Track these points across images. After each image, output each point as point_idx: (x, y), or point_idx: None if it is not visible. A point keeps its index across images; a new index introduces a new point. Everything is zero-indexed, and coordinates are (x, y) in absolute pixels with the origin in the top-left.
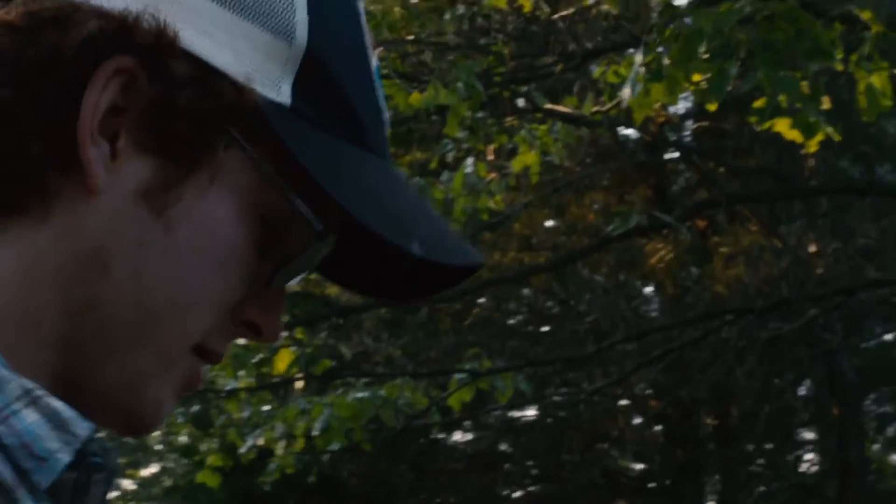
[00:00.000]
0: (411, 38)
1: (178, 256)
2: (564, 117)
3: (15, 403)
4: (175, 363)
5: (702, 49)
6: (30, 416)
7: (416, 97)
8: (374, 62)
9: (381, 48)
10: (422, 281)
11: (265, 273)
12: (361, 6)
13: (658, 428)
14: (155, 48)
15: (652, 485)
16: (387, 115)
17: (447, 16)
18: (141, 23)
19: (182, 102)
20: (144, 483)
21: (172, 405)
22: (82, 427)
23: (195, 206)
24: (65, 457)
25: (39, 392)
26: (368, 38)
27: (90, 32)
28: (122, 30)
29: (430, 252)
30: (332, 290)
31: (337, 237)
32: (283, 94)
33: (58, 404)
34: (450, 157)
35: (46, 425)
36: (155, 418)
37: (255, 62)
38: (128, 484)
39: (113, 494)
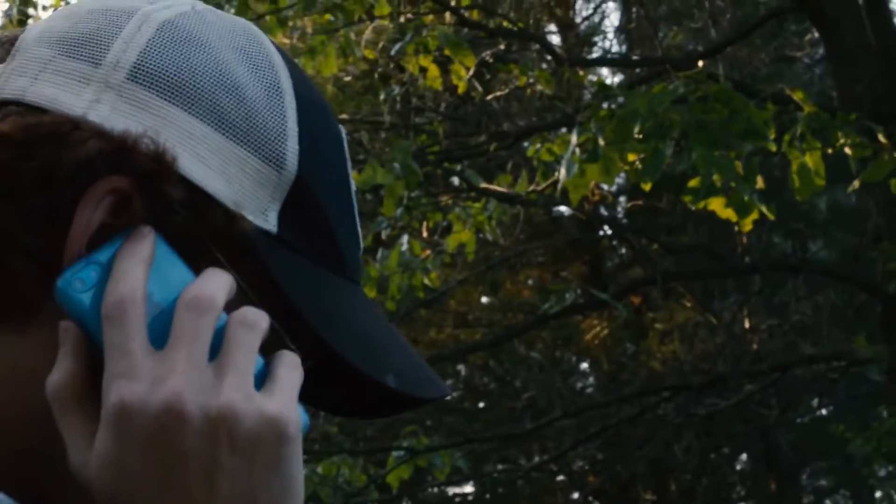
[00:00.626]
0: (346, 117)
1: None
2: (499, 196)
3: None
4: None
5: (636, 129)
6: None
7: (354, 177)
8: (353, 185)
9: None
10: (390, 405)
11: None
12: (343, 133)
13: None
14: (151, 171)
15: None
16: (361, 240)
17: (381, 96)
18: (140, 146)
19: (173, 225)
20: None
21: None
22: None
23: None
24: None
25: (6, 500)
26: (349, 164)
27: (88, 154)
28: (121, 151)
29: (404, 385)
30: None
31: (313, 364)
32: (269, 221)
33: (1, 496)
34: (385, 234)
35: None
36: None
37: (245, 188)
38: None
39: None
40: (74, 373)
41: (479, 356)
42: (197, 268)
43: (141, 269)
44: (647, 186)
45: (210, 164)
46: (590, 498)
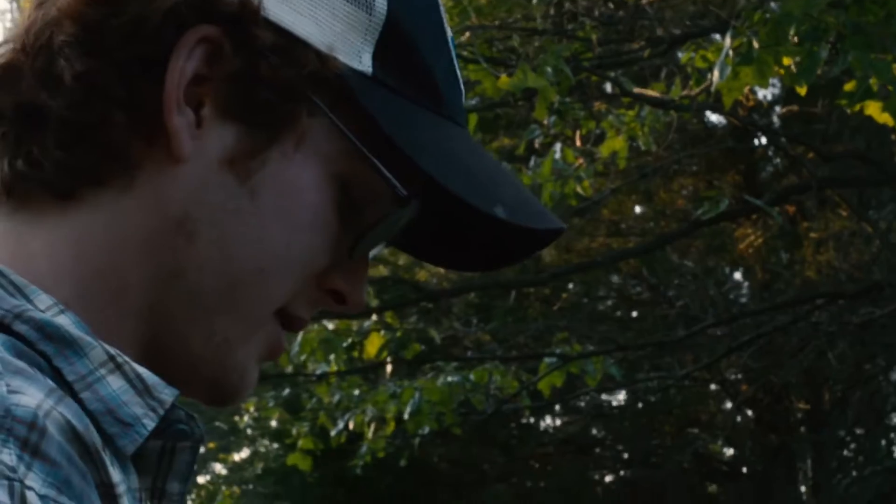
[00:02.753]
0: (498, 23)
1: (262, 222)
2: (652, 102)
3: (100, 369)
4: (259, 329)
5: (791, 32)
6: (114, 382)
7: (504, 80)
8: (449, 32)
9: (469, 33)
10: (503, 247)
11: (347, 241)
12: None
13: (749, 413)
14: (239, 17)
15: (743, 469)
16: (462, 84)
17: (534, 1)
18: None
19: (266, 71)
20: (236, 467)
21: (256, 373)
22: (166, 393)
23: (279, 173)
24: (150, 422)
25: (123, 358)
26: (442, 7)
27: (175, 2)
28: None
29: (514, 215)
30: (422, 275)
31: (419, 204)
32: (364, 63)
33: (142, 370)
34: (537, 142)
35: (131, 391)
36: (241, 385)
37: (337, 32)
38: (219, 468)
39: (203, 478)
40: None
41: (631, 265)
42: (294, 114)
43: None
44: (802, 90)
45: (298, 8)
46: (742, 407)
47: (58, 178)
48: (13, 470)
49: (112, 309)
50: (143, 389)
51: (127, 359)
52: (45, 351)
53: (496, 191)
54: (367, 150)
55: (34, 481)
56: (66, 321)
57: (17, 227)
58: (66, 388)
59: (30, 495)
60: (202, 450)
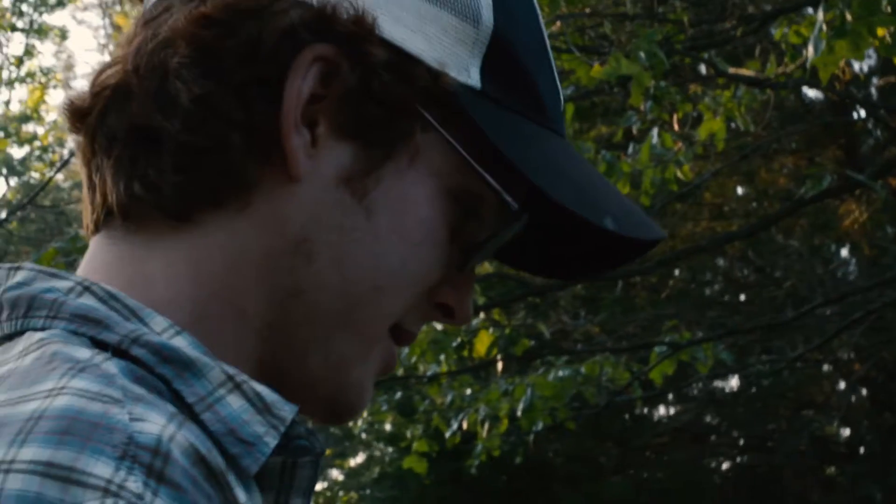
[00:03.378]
0: (588, 10)
1: (379, 239)
2: (748, 81)
3: (219, 390)
4: (375, 346)
5: (884, 2)
6: (234, 402)
7: (598, 69)
8: (547, 40)
9: (559, 22)
10: (607, 257)
11: (457, 255)
12: None
13: (864, 392)
14: (354, 36)
15: (861, 450)
16: (562, 94)
17: None
18: (340, 11)
19: (380, 88)
20: (352, 473)
21: (371, 389)
22: (286, 410)
23: (394, 189)
24: (272, 440)
25: (242, 377)
26: (541, 18)
27: (291, 23)
28: (322, 18)
29: (622, 227)
30: None
31: (528, 217)
32: (472, 77)
33: (261, 388)
34: (635, 129)
35: (251, 409)
36: (358, 402)
37: (446, 47)
38: (336, 474)
39: (321, 485)
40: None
41: (736, 247)
42: (408, 131)
43: None
44: None
45: (409, 24)
46: (857, 386)
47: (175, 201)
48: (140, 497)
49: (231, 330)
50: (263, 408)
51: (245, 377)
52: (163, 374)
53: (604, 202)
54: (479, 165)
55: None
56: (182, 343)
57: (133, 251)
58: (187, 410)
59: None
60: None
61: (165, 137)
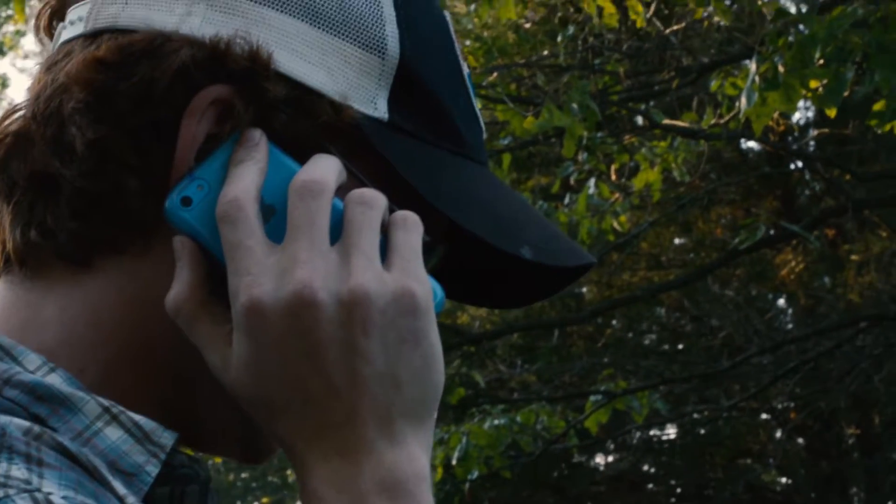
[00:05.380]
0: (523, 62)
1: None
2: (683, 132)
3: (96, 423)
4: None
5: (816, 55)
6: (113, 434)
7: (530, 121)
8: (465, 69)
9: (495, 73)
10: (534, 285)
11: None
12: (448, 15)
13: (800, 440)
14: (249, 73)
15: (797, 499)
16: (482, 122)
17: (559, 38)
18: (233, 48)
19: (280, 125)
20: None
21: None
22: (166, 437)
23: None
24: (153, 469)
25: (118, 408)
26: (458, 46)
27: (182, 63)
28: (215, 57)
29: (540, 255)
30: (464, 318)
31: (446, 248)
32: (379, 109)
33: (138, 417)
34: (572, 179)
35: (130, 440)
36: (272, 444)
37: (350, 79)
38: None
39: None
40: (194, 283)
41: (673, 297)
42: None
43: (253, 171)
44: (831, 112)
45: (309, 58)
46: (793, 435)
47: (73, 247)
48: (28, 482)
49: (134, 374)
50: (142, 437)
51: (122, 409)
52: (38, 414)
53: (521, 231)
54: (389, 199)
55: (51, 487)
56: (56, 380)
57: (29, 296)
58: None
59: (54, 499)
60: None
61: (63, 183)
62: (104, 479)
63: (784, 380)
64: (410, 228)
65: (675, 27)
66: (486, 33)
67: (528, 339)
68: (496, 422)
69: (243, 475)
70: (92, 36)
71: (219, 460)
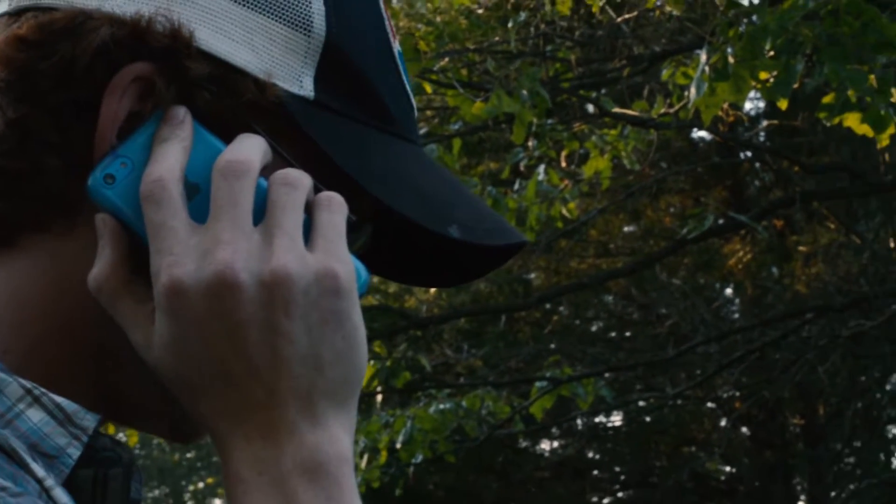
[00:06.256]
0: (474, 47)
1: None
2: (632, 121)
3: (18, 405)
4: None
5: (767, 46)
6: (34, 416)
7: (479, 106)
8: (396, 47)
9: (446, 58)
10: (464, 264)
11: None
12: None
13: (745, 430)
14: (170, 50)
15: (741, 487)
16: (413, 100)
17: (511, 24)
18: (154, 25)
19: (202, 103)
20: None
21: None
22: (88, 419)
23: None
24: (74, 451)
25: (40, 390)
26: (388, 23)
27: (102, 41)
28: (136, 34)
29: (469, 235)
30: (410, 302)
31: (373, 226)
32: (305, 87)
33: (61, 399)
34: (523, 165)
35: (52, 422)
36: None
37: (274, 57)
38: (219, 503)
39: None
40: (115, 262)
41: (621, 285)
42: None
43: (177, 149)
44: (782, 104)
45: (233, 36)
46: (737, 424)
47: None
48: None
49: (60, 353)
50: (64, 419)
51: (44, 390)
52: None
53: (450, 210)
54: (314, 178)
55: None
56: None
57: None
58: None
59: None
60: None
61: None
62: (23, 462)
63: (729, 369)
64: (334, 209)
65: (627, 16)
66: (438, 18)
67: (475, 324)
68: (441, 406)
69: (188, 455)
70: (15, 14)
71: (163, 440)
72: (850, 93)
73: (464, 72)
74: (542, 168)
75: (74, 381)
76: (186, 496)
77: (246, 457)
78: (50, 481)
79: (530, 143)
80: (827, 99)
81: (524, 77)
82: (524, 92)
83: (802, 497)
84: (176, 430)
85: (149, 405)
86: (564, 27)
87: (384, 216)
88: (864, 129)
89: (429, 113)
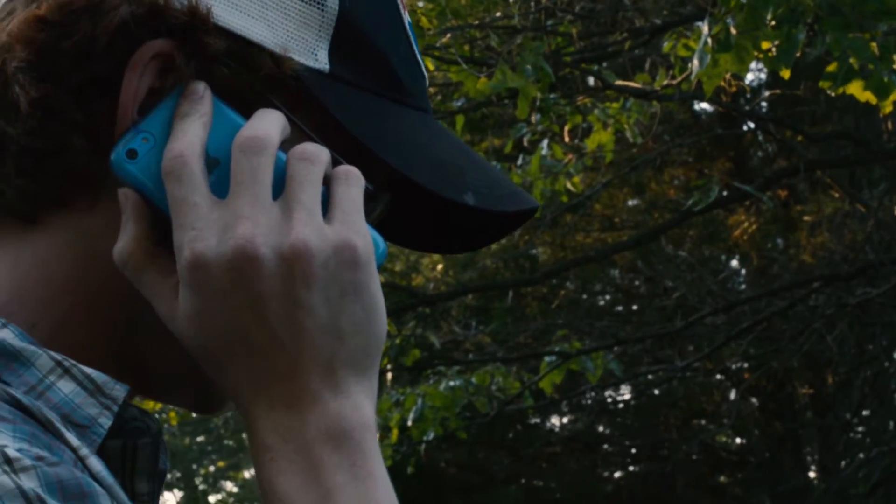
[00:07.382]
0: (477, 23)
1: None
2: (635, 93)
3: (49, 377)
4: None
5: (768, 16)
6: (65, 387)
7: (483, 82)
8: (407, 18)
9: (448, 35)
10: (478, 230)
11: None
12: None
13: (754, 401)
14: (189, 27)
15: (751, 459)
16: (424, 69)
17: None
18: (172, 3)
19: (221, 77)
20: (247, 484)
21: None
22: (118, 389)
23: None
24: (106, 421)
25: (70, 361)
26: None
27: (122, 19)
28: (154, 12)
29: (483, 201)
30: (418, 280)
31: (390, 196)
32: (320, 60)
33: (90, 370)
34: (526, 140)
35: (83, 392)
36: (224, 396)
37: (290, 31)
38: (230, 486)
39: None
40: (139, 235)
41: (627, 258)
42: None
43: (197, 125)
44: (785, 74)
45: (249, 11)
46: (746, 395)
47: (20, 204)
48: None
49: (86, 326)
50: (94, 389)
51: (74, 362)
52: None
53: (464, 177)
54: (331, 149)
55: (5, 440)
56: (8, 335)
57: None
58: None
59: (9, 451)
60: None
61: (8, 142)
62: (58, 432)
63: (737, 340)
64: (352, 182)
65: None
66: None
67: (483, 300)
68: (451, 383)
69: (199, 438)
70: None
71: (175, 423)
72: (852, 61)
73: (466, 48)
74: (545, 143)
75: (102, 353)
76: (198, 480)
77: (271, 425)
78: (85, 450)
79: (533, 118)
80: (830, 68)
81: (527, 52)
82: (528, 67)
83: (812, 467)
84: (200, 401)
85: (174, 376)
86: (565, 1)
87: (399, 185)
88: (867, 97)
89: (432, 90)
